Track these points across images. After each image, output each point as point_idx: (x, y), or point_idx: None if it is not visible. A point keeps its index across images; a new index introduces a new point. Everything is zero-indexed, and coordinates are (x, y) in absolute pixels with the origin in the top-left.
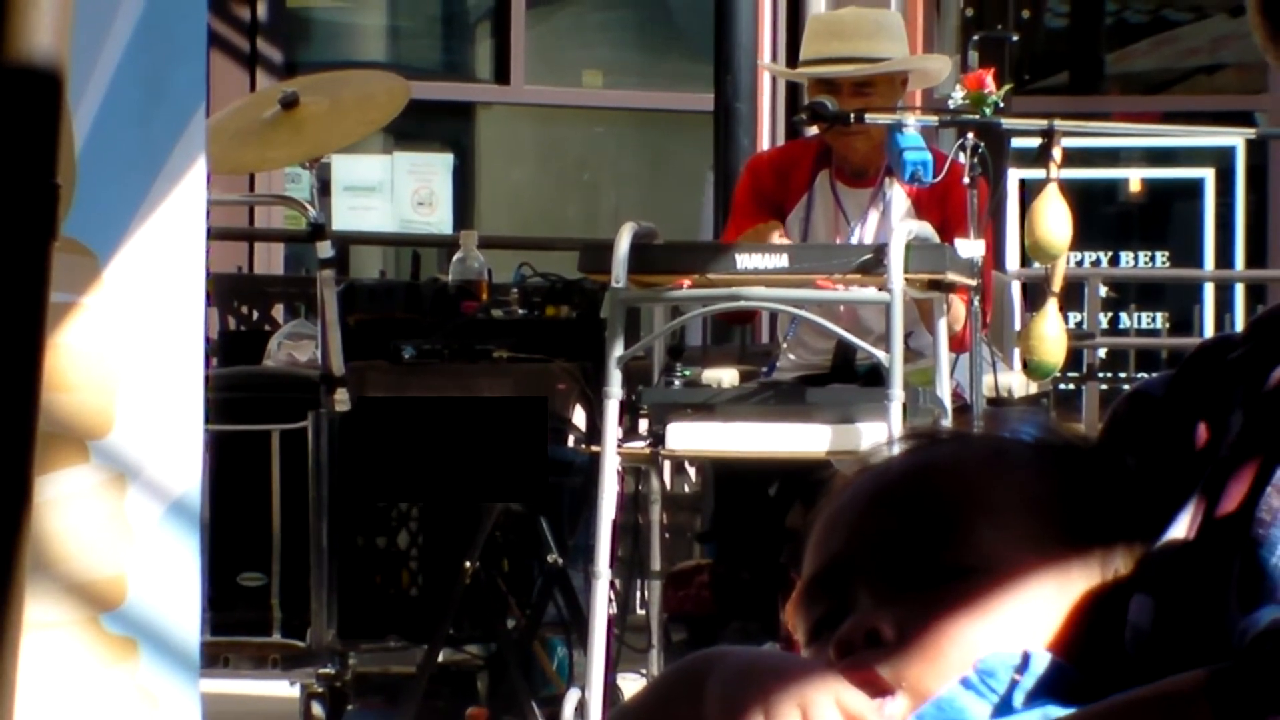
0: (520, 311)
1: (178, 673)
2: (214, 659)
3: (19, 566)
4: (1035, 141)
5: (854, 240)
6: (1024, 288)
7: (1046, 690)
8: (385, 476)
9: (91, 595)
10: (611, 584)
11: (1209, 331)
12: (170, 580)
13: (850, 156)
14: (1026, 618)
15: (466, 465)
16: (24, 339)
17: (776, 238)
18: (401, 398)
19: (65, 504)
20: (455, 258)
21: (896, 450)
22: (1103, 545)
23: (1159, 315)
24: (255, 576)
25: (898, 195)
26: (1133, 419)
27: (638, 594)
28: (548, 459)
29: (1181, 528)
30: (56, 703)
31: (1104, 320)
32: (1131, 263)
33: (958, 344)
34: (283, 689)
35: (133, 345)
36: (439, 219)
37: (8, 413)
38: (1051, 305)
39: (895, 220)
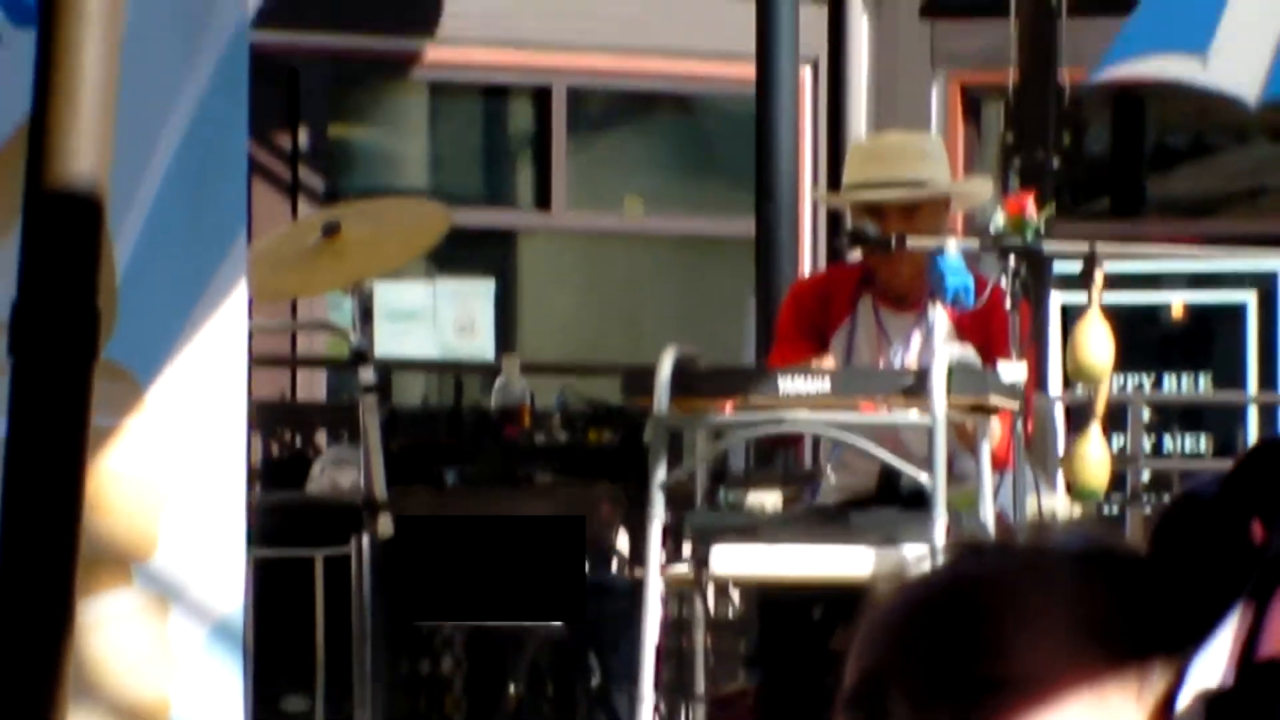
0: (563, 436)
1: None
2: None
3: (62, 690)
4: (1077, 265)
5: (897, 364)
6: (1067, 411)
7: None
8: (427, 598)
9: (134, 718)
10: (656, 708)
11: None
12: (213, 704)
13: (893, 280)
14: None
15: (506, 586)
16: (66, 462)
17: (824, 365)
18: (441, 517)
19: (108, 626)
20: (497, 383)
21: (938, 564)
22: (1140, 658)
23: (1203, 438)
24: (298, 701)
25: (940, 318)
26: (1182, 521)
27: (683, 718)
28: (586, 578)
29: (1226, 638)
30: None
31: (1147, 443)
32: (1174, 386)
33: (999, 463)
34: None
35: (175, 468)
36: (481, 345)
37: (51, 536)
38: (1095, 428)
39: (938, 344)
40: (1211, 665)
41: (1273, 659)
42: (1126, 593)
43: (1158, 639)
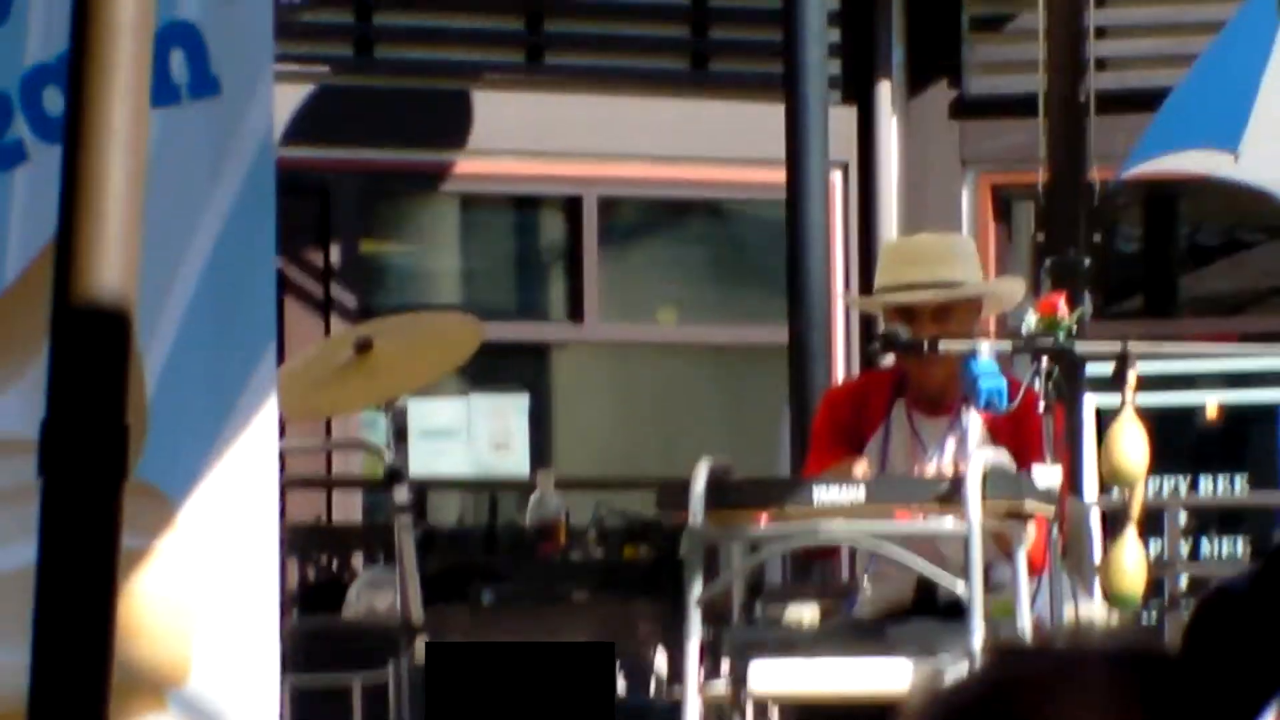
0: (599, 553)
1: None
2: None
3: None
4: (1110, 366)
5: (932, 469)
6: (1103, 516)
7: None
8: None
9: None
10: None
11: None
12: None
13: (927, 384)
14: None
15: (537, 712)
16: (97, 585)
17: (859, 471)
18: (473, 644)
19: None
20: (532, 499)
21: (976, 669)
22: None
23: (1240, 540)
24: None
25: (974, 423)
26: (1215, 618)
27: None
28: (614, 706)
29: None
30: None
31: (1185, 547)
32: (1211, 488)
33: (1035, 569)
34: None
35: (207, 590)
36: (516, 460)
37: (83, 661)
38: (1131, 533)
39: (972, 449)
40: None
41: None
42: (1162, 692)
43: None
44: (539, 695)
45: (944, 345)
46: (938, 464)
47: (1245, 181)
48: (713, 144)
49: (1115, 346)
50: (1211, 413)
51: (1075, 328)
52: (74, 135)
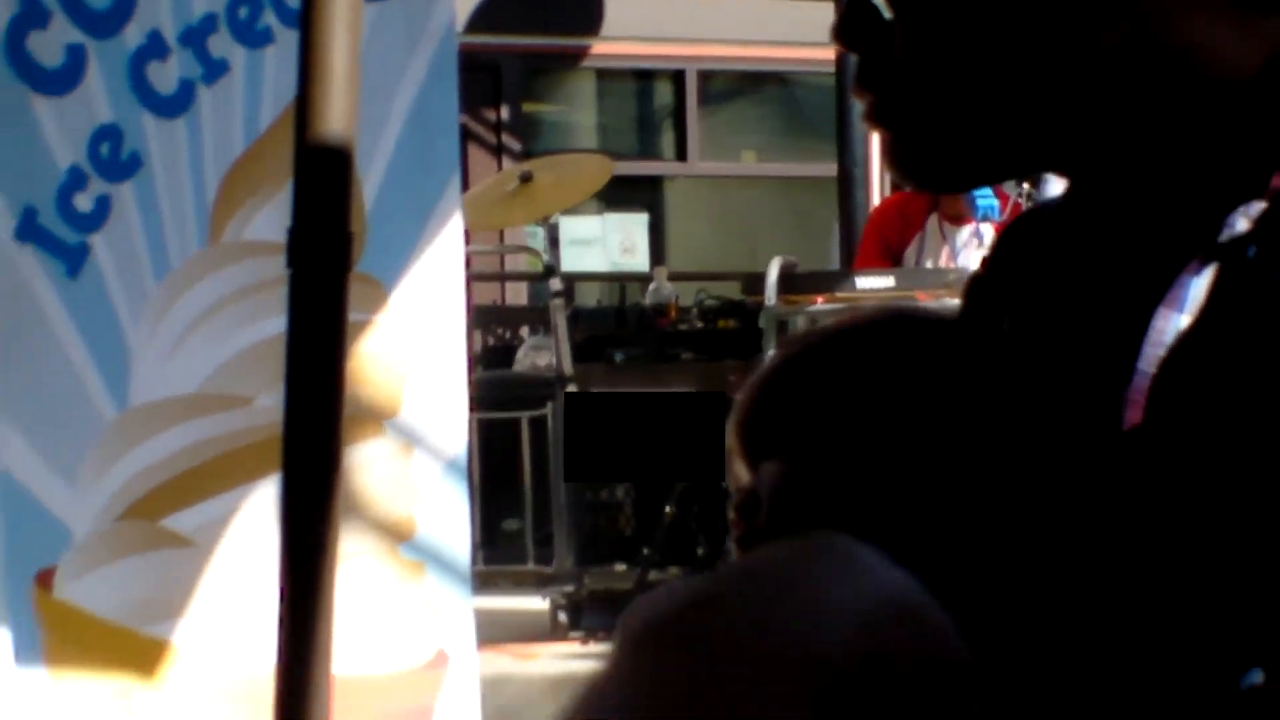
0: (699, 325)
1: (455, 589)
2: (484, 583)
3: (336, 513)
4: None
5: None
6: None
7: None
8: (599, 459)
9: (389, 531)
10: None
11: None
12: (448, 520)
13: (949, 202)
14: None
15: (661, 450)
16: (332, 348)
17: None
18: (608, 392)
19: (368, 466)
20: (650, 287)
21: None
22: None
23: None
24: (513, 523)
25: (987, 231)
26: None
27: None
28: (723, 444)
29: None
30: (366, 610)
31: None
32: None
33: None
34: (536, 604)
35: (413, 352)
36: (639, 261)
37: (322, 404)
38: None
39: (973, 250)
40: None
41: None
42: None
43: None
44: (658, 435)
45: None
46: (963, 262)
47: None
48: (782, 30)
49: None
50: None
51: None
52: (308, 22)
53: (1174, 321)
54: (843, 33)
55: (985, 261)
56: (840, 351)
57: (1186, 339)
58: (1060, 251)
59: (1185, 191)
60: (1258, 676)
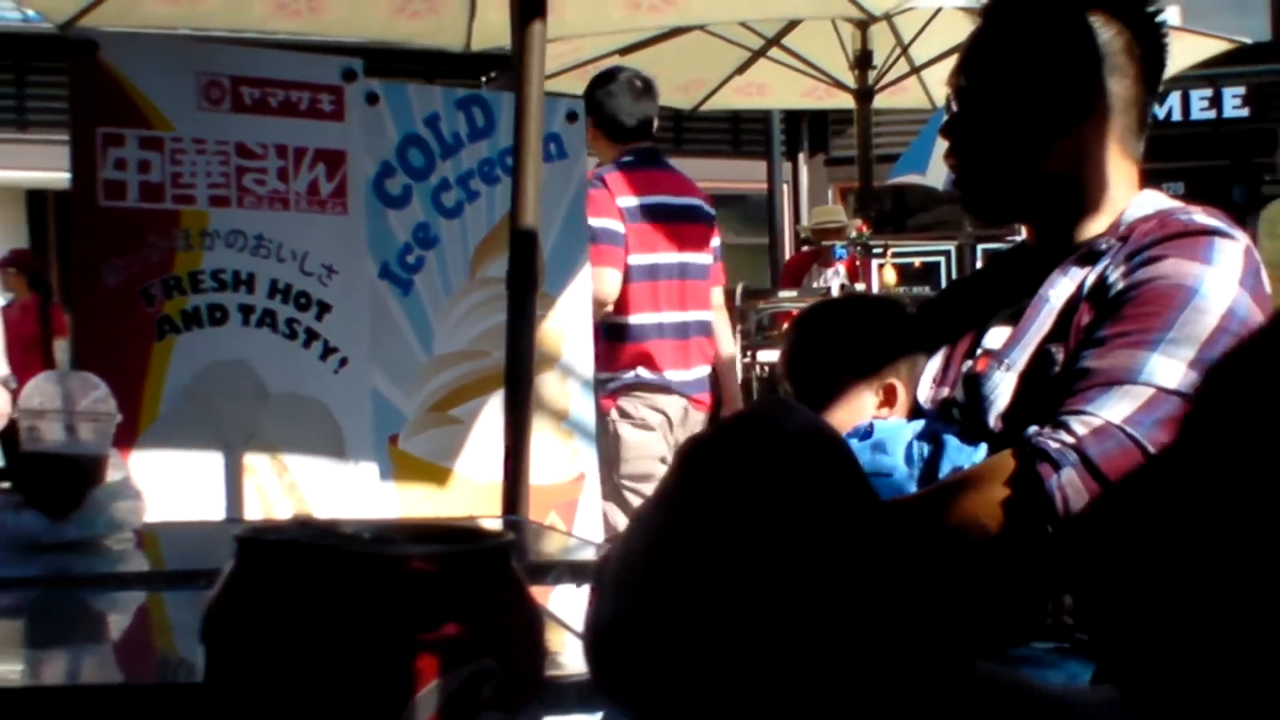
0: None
1: (586, 442)
2: None
3: (529, 407)
4: None
5: None
6: None
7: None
8: None
9: (556, 414)
10: None
11: None
12: (583, 408)
13: (825, 253)
14: None
15: None
16: (527, 328)
17: None
18: None
19: (546, 384)
20: None
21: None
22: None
23: None
24: None
25: (841, 269)
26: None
27: None
28: None
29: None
30: (544, 451)
31: None
32: None
33: None
34: None
35: (567, 329)
36: None
37: (523, 355)
38: None
39: None
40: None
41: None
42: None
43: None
44: None
45: None
46: (827, 283)
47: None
48: None
49: None
50: None
51: None
52: (517, 174)
53: (1058, 286)
54: (948, 102)
55: (972, 276)
56: (837, 312)
57: (1074, 296)
58: (1005, 267)
59: (1062, 230)
60: None
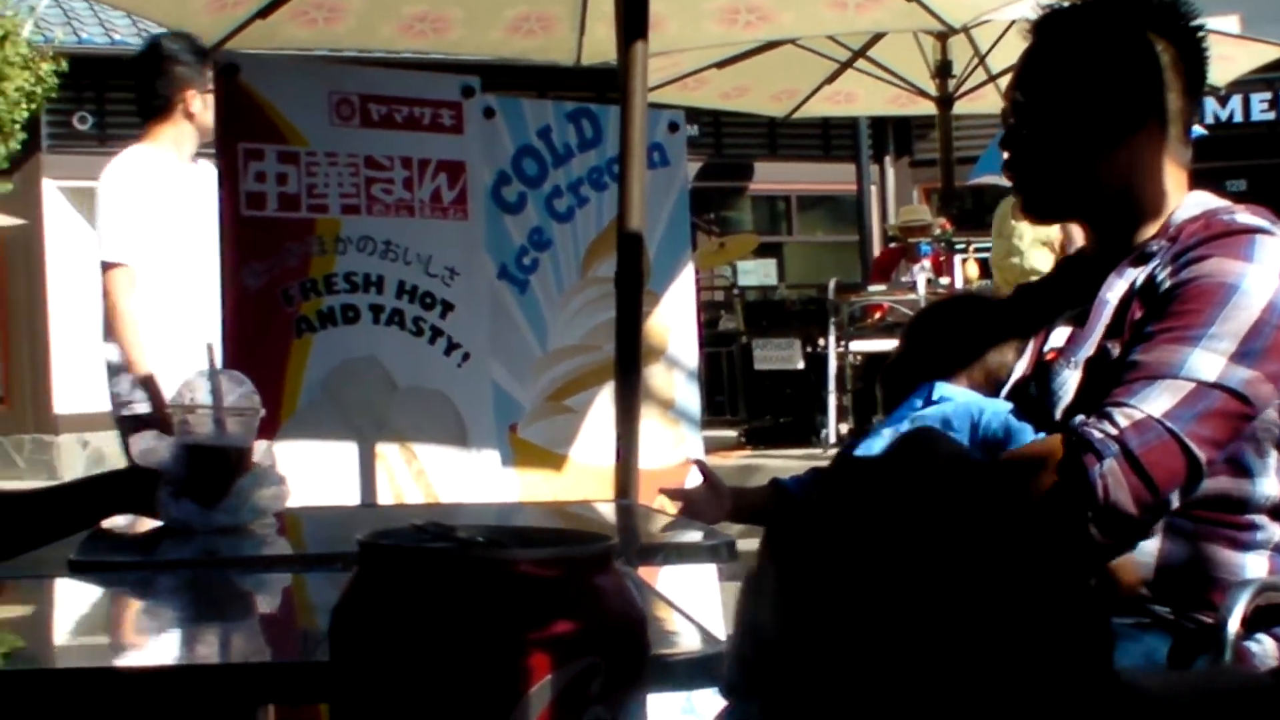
0: (799, 305)
1: (691, 428)
2: (704, 425)
3: (638, 397)
4: None
5: None
6: None
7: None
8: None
9: (663, 402)
10: None
11: None
12: (689, 396)
13: (911, 249)
14: None
15: None
16: (634, 323)
17: None
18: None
19: (653, 375)
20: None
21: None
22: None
23: None
24: (719, 397)
25: (927, 265)
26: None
27: None
28: None
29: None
30: (652, 438)
31: None
32: None
33: None
34: (729, 433)
35: (672, 324)
36: (772, 279)
37: (631, 348)
38: None
39: None
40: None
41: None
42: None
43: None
44: None
45: None
46: (914, 277)
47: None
48: None
49: None
50: None
51: None
52: (623, 180)
53: (1114, 288)
54: (1005, 116)
55: (1046, 277)
56: (940, 316)
57: (1127, 294)
58: (1071, 271)
59: (1120, 235)
60: None
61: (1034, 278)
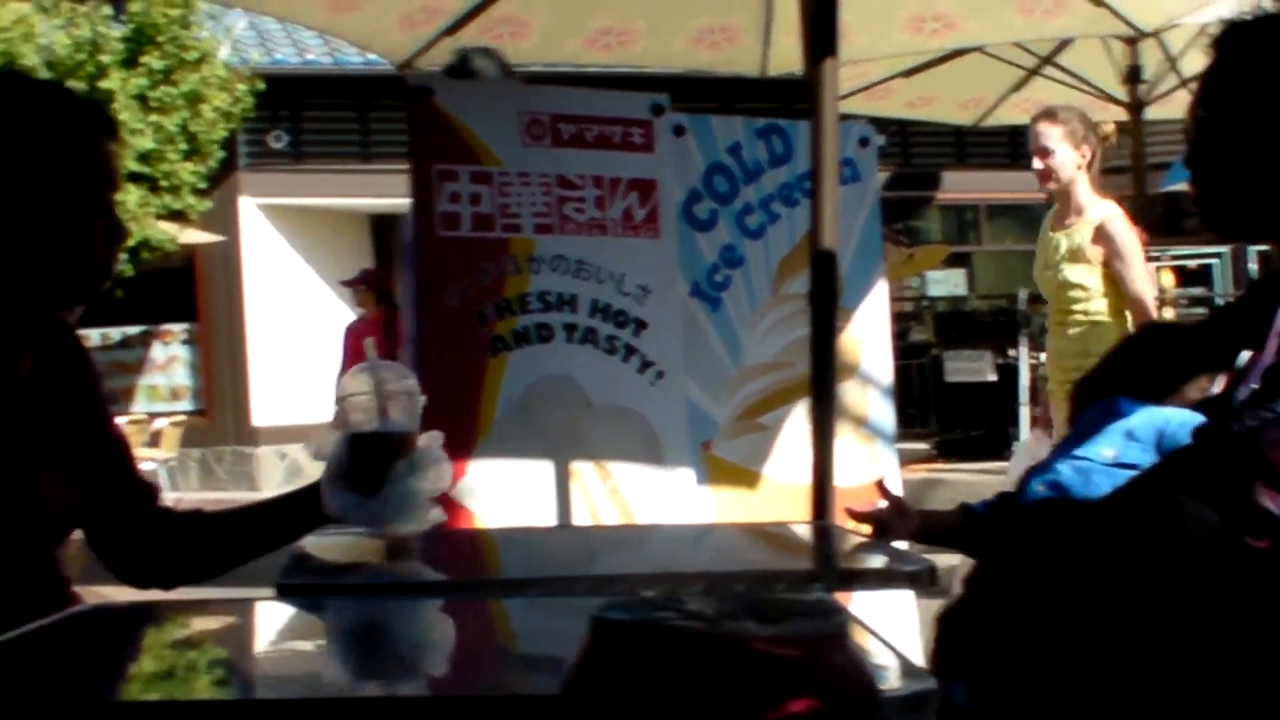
0: (989, 315)
1: (885, 445)
2: (897, 439)
3: (832, 413)
4: None
5: None
6: None
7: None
8: None
9: (857, 419)
10: None
11: None
12: (882, 412)
13: None
14: None
15: None
16: (828, 340)
17: None
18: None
19: (847, 392)
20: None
21: None
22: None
23: None
24: (910, 410)
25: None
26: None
27: None
28: None
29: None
30: (844, 456)
31: None
32: None
33: None
34: (921, 445)
35: (865, 339)
36: (961, 289)
37: (825, 364)
38: None
39: None
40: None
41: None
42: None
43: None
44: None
45: None
46: None
47: None
48: None
49: None
50: None
51: None
52: (816, 196)
53: None
54: (1188, 133)
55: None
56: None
57: None
58: (1265, 291)
59: None
60: None
61: (1069, 291)
